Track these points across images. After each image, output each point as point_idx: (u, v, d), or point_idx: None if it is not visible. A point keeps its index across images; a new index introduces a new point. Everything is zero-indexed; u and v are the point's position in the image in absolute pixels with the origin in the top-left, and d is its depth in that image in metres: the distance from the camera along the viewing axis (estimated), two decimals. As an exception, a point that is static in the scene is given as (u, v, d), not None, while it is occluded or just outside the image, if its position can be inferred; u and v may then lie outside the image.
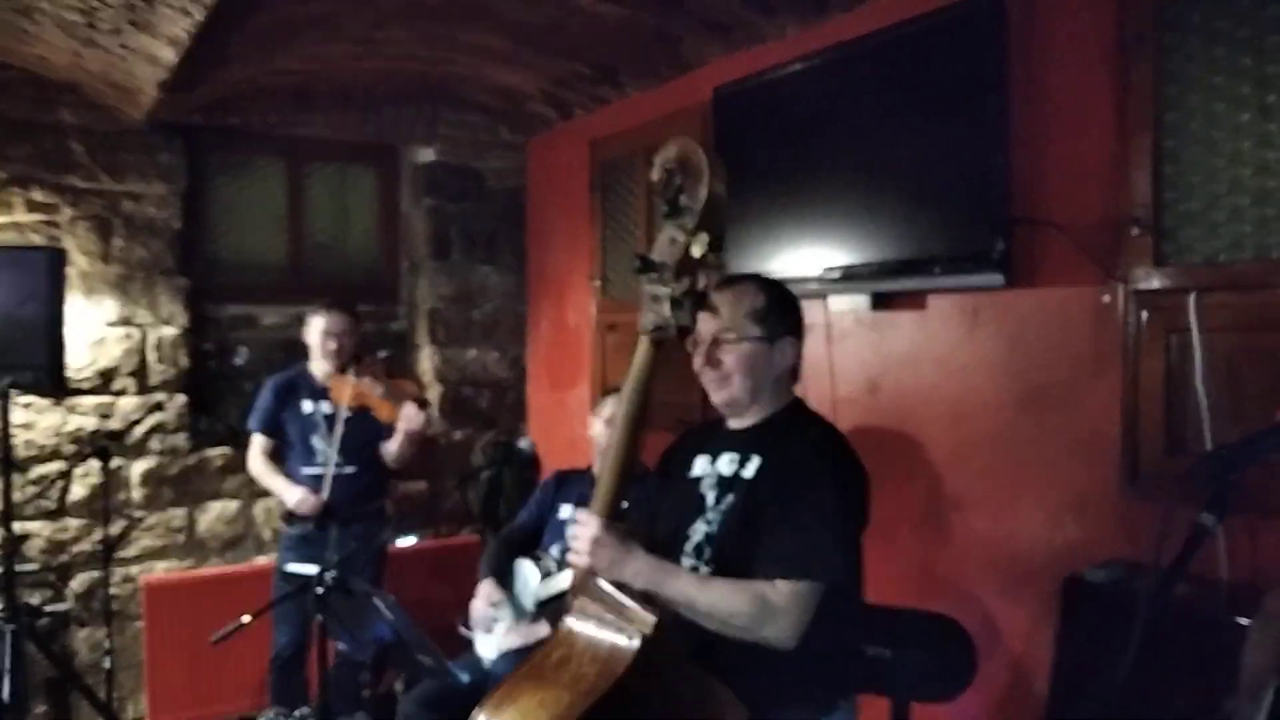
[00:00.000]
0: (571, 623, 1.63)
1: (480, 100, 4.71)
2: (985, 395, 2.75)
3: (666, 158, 1.60)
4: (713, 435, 1.91)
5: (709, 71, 3.69)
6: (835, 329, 3.21)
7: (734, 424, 1.91)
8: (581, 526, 1.65)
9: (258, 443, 3.69)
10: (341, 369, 3.57)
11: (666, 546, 1.84)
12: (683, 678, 1.62)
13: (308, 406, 3.67)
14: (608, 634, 1.56)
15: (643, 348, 1.64)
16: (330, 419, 3.62)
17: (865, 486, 1.82)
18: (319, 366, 3.67)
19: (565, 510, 3.10)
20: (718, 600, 1.63)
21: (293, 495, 3.56)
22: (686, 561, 1.81)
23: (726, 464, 1.84)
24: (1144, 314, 2.39)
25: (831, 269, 3.01)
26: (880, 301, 3.00)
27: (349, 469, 3.60)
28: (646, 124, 4.08)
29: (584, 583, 1.64)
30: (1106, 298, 2.45)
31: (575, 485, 3.15)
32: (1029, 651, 2.59)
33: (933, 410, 2.91)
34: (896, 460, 3.02)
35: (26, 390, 3.62)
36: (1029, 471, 2.64)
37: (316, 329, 3.63)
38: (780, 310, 1.88)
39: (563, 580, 2.80)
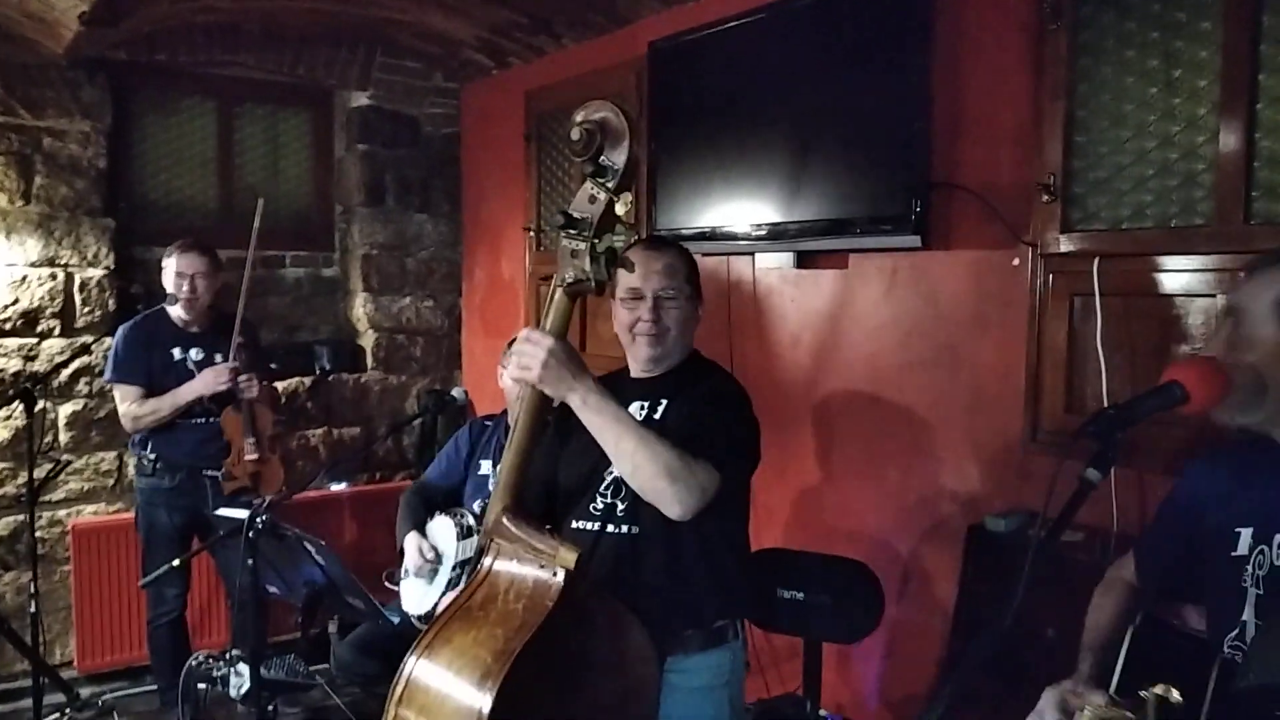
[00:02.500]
0: (490, 562, 1.66)
1: (416, 46, 4.63)
2: (900, 352, 2.87)
3: (587, 118, 1.63)
4: (618, 385, 1.99)
5: (645, 26, 3.70)
6: (761, 284, 3.30)
7: (640, 374, 2.01)
8: (532, 344, 1.65)
9: (127, 393, 3.49)
10: (235, 405, 3.49)
11: (580, 487, 1.94)
12: (599, 608, 1.69)
13: (176, 354, 3.53)
14: (529, 570, 1.60)
15: (560, 300, 1.68)
16: (201, 364, 3.50)
17: (756, 428, 1.95)
18: (176, 310, 3.52)
19: (485, 466, 3.09)
20: (650, 441, 1.67)
21: (203, 379, 3.40)
22: (602, 500, 1.90)
23: (636, 410, 1.93)
24: (1050, 277, 2.52)
25: (759, 226, 3.09)
26: (804, 259, 3.08)
27: (249, 377, 3.50)
28: (582, 76, 4.08)
29: (498, 522, 1.67)
30: (1016, 261, 2.57)
31: (492, 436, 3.16)
32: (934, 596, 2.75)
33: (851, 365, 3.03)
34: (814, 412, 3.14)
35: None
36: (939, 425, 2.77)
37: (173, 269, 3.48)
38: (697, 273, 2.04)
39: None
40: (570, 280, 1.64)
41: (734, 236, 3.19)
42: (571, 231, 1.62)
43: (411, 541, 2.88)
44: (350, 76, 4.73)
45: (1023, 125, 2.54)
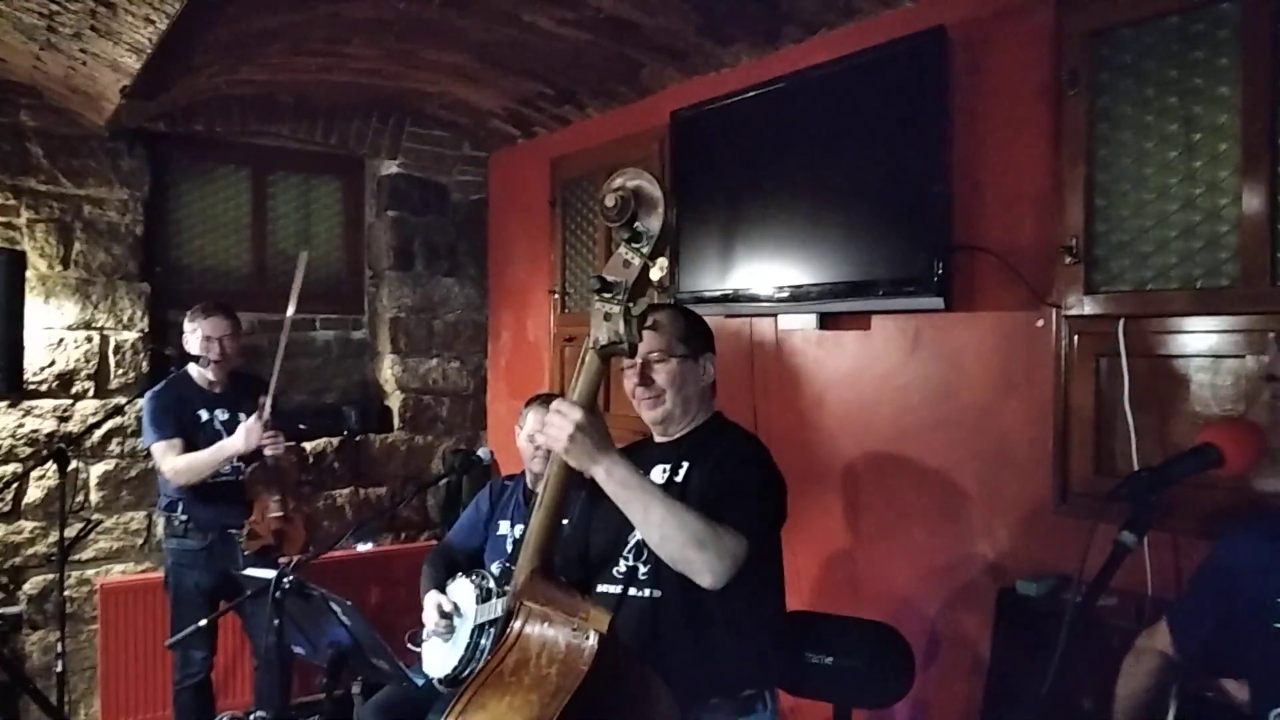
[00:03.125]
0: (520, 625, 1.65)
1: (444, 116, 4.77)
2: (924, 412, 2.87)
3: (622, 185, 1.66)
4: (641, 451, 2.01)
5: (667, 96, 3.79)
6: (784, 345, 3.32)
7: (661, 439, 2.04)
8: (560, 415, 1.67)
9: (166, 448, 3.47)
10: (261, 465, 3.51)
11: (606, 550, 1.94)
12: (630, 673, 1.67)
13: (204, 415, 3.57)
14: (561, 634, 1.59)
15: (592, 362, 1.70)
16: (229, 424, 3.55)
17: (782, 487, 1.95)
18: (199, 372, 3.57)
19: (504, 526, 3.10)
20: (678, 511, 1.68)
21: (239, 437, 3.42)
22: (624, 563, 1.90)
23: (659, 474, 1.94)
24: (1075, 338, 2.52)
25: (782, 288, 3.12)
26: (827, 321, 3.10)
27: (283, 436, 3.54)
28: (606, 144, 4.17)
29: (528, 585, 1.67)
30: (1040, 322, 2.58)
31: (511, 497, 3.16)
32: (965, 660, 2.70)
33: (874, 426, 3.02)
34: (839, 473, 3.12)
35: (-13, 395, 3.61)
36: (965, 487, 2.75)
37: (199, 334, 3.53)
38: (698, 331, 2.06)
39: (501, 605, 2.79)
40: (604, 343, 1.66)
41: (756, 299, 3.22)
42: (606, 295, 1.64)
43: (430, 600, 2.88)
44: (381, 145, 4.86)
45: (1043, 188, 2.57)
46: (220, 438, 3.51)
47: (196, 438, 3.52)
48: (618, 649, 1.61)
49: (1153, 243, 2.38)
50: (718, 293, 3.34)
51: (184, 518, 3.52)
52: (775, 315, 3.26)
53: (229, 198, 4.74)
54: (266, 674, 3.55)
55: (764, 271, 3.18)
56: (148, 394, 3.59)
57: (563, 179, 4.52)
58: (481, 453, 3.50)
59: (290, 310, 3.59)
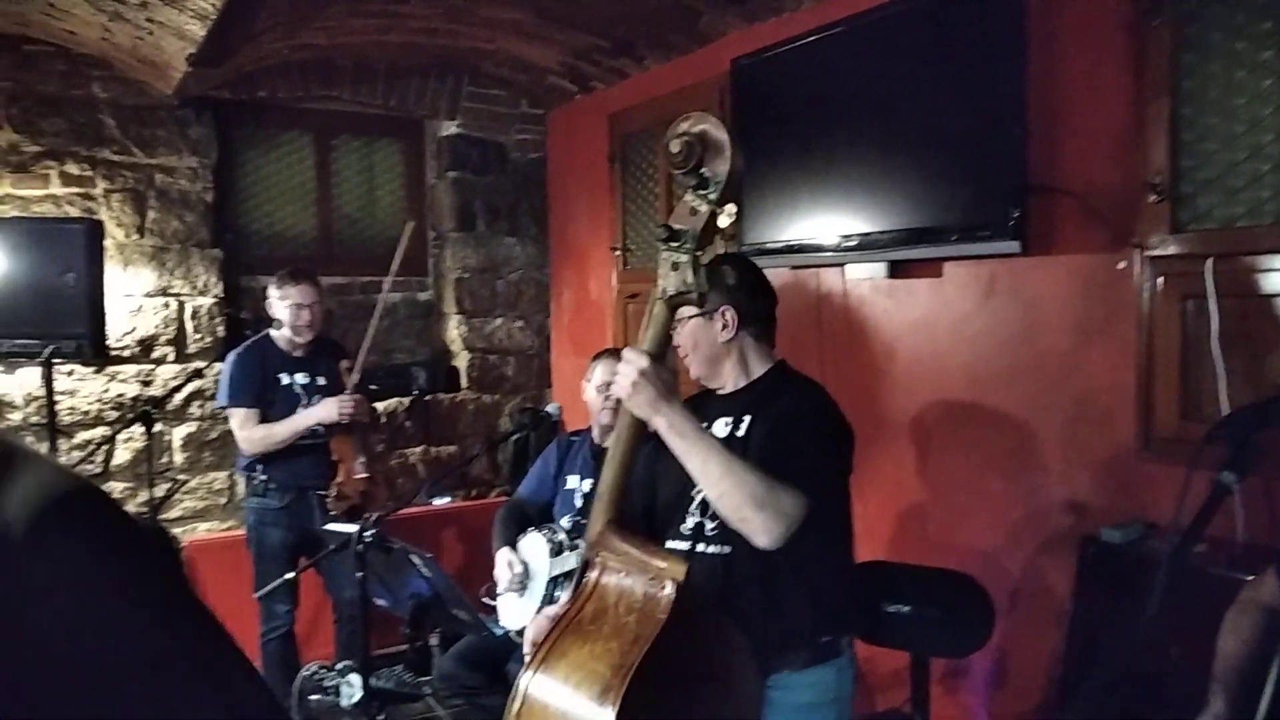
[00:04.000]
0: (596, 576, 1.66)
1: (501, 74, 4.75)
2: (1000, 361, 2.81)
3: (687, 131, 1.63)
4: (706, 404, 2.00)
5: (727, 44, 3.72)
6: (852, 296, 3.27)
7: (722, 391, 2.01)
8: (627, 363, 1.67)
9: (243, 416, 3.53)
10: (345, 427, 3.54)
11: (672, 506, 1.94)
12: (706, 622, 1.69)
13: (284, 379, 3.61)
14: (638, 583, 1.61)
15: (660, 312, 1.68)
16: (308, 389, 3.60)
17: (849, 436, 1.92)
18: (288, 337, 3.61)
19: (572, 481, 3.12)
20: (736, 468, 1.68)
21: (327, 407, 3.48)
22: (691, 519, 1.90)
23: (722, 427, 1.92)
24: (1160, 280, 2.44)
25: (849, 237, 3.07)
26: (897, 269, 3.05)
27: (371, 404, 3.62)
28: (665, 97, 4.12)
29: (602, 536, 1.67)
30: (1122, 264, 2.50)
31: (579, 451, 3.19)
32: (1047, 610, 2.66)
33: (949, 375, 2.97)
34: (913, 423, 3.09)
35: (69, 359, 3.73)
36: (1044, 435, 2.70)
37: (288, 301, 3.55)
38: (724, 282, 1.96)
39: (573, 558, 2.83)
40: (672, 292, 1.64)
41: (823, 249, 3.17)
42: (673, 244, 1.63)
43: (501, 558, 2.92)
44: (440, 106, 4.87)
45: (1125, 124, 2.48)
46: (298, 402, 3.57)
47: (275, 401, 3.59)
48: (694, 598, 1.62)
49: (1244, 177, 2.28)
50: (782, 244, 3.30)
51: (264, 477, 3.61)
52: (843, 265, 3.21)
53: (294, 163, 4.81)
54: (349, 626, 3.66)
55: (830, 220, 3.13)
56: (230, 355, 3.67)
57: (621, 134, 4.49)
58: (550, 409, 3.53)
59: (389, 280, 3.63)
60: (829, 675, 1.91)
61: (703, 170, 1.62)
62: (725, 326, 1.94)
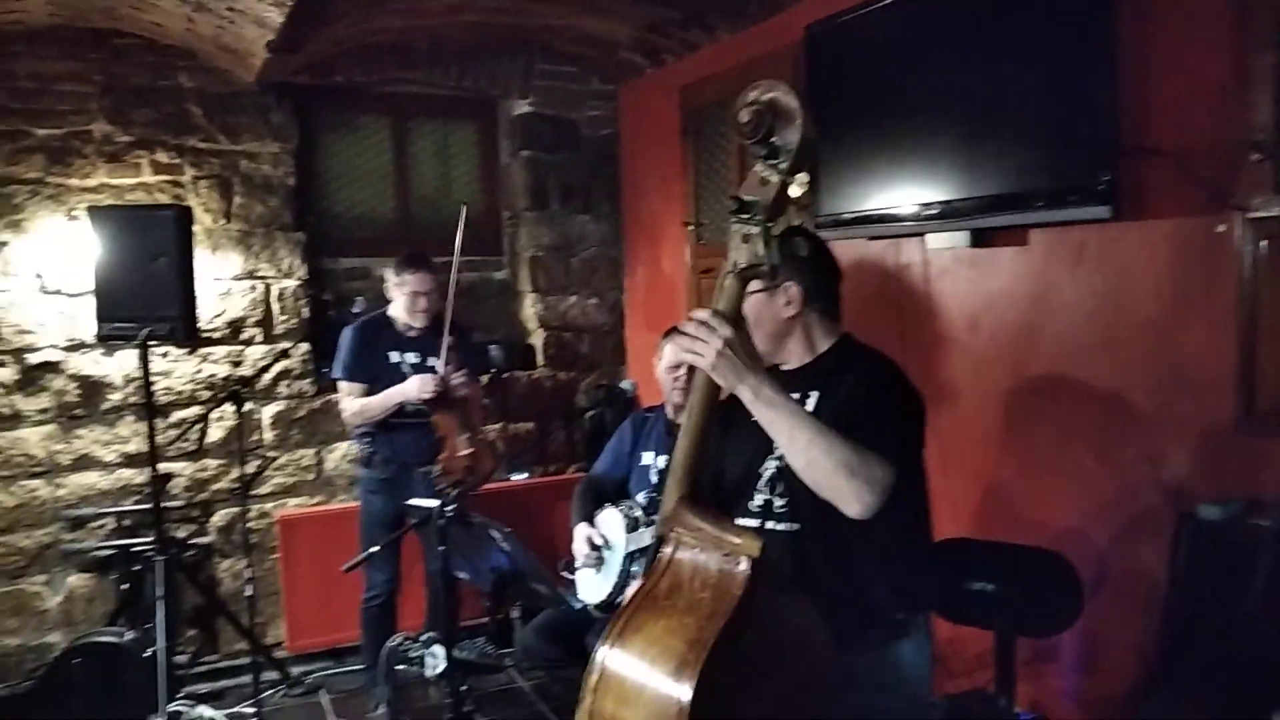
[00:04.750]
0: (671, 551, 1.65)
1: (572, 50, 4.74)
2: (1091, 332, 2.71)
3: (756, 99, 1.57)
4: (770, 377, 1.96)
5: (800, 10, 3.64)
6: (933, 266, 3.19)
7: (788, 365, 1.96)
8: (708, 330, 1.60)
9: (347, 389, 3.73)
10: (448, 405, 3.63)
11: (739, 484, 1.91)
12: (785, 602, 1.67)
13: (394, 356, 3.73)
14: (712, 559, 1.59)
15: (731, 286, 1.64)
16: (418, 368, 3.69)
17: (921, 406, 1.87)
18: (404, 320, 3.73)
19: (647, 457, 3.14)
20: (826, 435, 1.63)
21: (410, 386, 3.58)
22: (760, 497, 1.87)
23: None
24: (1263, 243, 2.31)
25: (929, 206, 2.98)
26: (980, 238, 2.95)
27: (455, 386, 3.66)
28: (736, 67, 4.06)
29: (676, 511, 1.65)
30: (1221, 228, 2.37)
31: (653, 428, 3.19)
32: (1139, 588, 2.56)
33: (1035, 348, 2.88)
34: (998, 399, 3.00)
35: (163, 341, 3.88)
36: (1137, 409, 2.60)
37: (405, 287, 3.67)
38: (785, 254, 1.88)
39: (648, 534, 2.84)
40: (743, 265, 1.60)
41: (902, 218, 3.09)
42: (744, 216, 1.58)
43: (579, 533, 2.95)
44: (512, 85, 4.89)
45: (1224, 80, 2.34)
46: (405, 380, 3.66)
47: (383, 378, 3.70)
48: (769, 575, 1.59)
49: (1357, 133, 2.14)
50: (859, 214, 3.23)
51: (372, 449, 3.75)
52: (922, 235, 3.13)
53: (371, 146, 4.89)
54: (435, 598, 3.76)
55: (909, 189, 3.05)
56: (346, 329, 3.80)
57: (693, 107, 4.44)
58: (625, 385, 3.55)
59: (454, 264, 3.68)
60: (905, 652, 1.88)
61: (773, 139, 1.57)
62: (789, 303, 1.90)
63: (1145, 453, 2.57)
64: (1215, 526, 2.19)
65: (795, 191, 1.58)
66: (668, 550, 1.66)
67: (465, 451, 3.61)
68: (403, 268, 3.70)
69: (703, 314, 1.63)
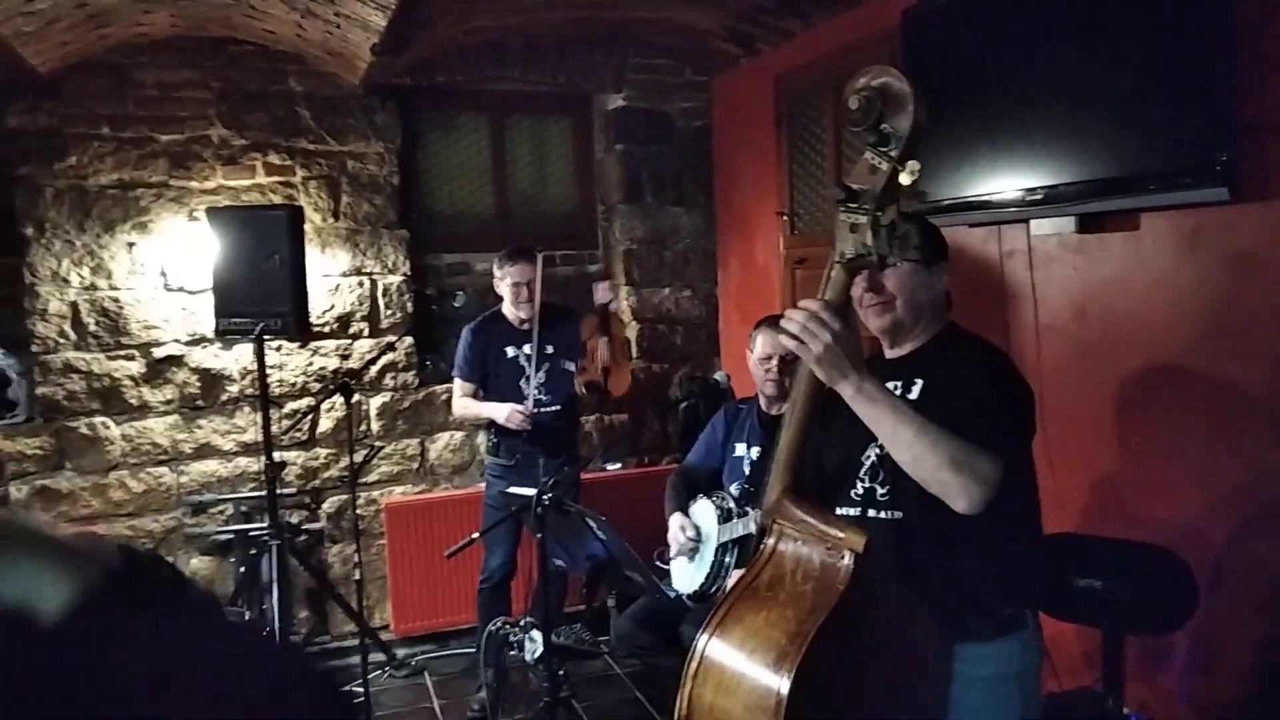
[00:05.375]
0: (774, 543, 1.65)
1: (665, 42, 4.76)
2: (1206, 320, 2.58)
3: (867, 84, 1.55)
4: (872, 367, 1.94)
5: (899, -8, 3.56)
6: (1038, 253, 3.09)
7: (890, 354, 1.93)
8: (816, 324, 1.57)
9: (461, 388, 3.96)
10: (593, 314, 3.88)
11: (841, 472, 1.90)
12: (886, 595, 1.65)
13: (510, 351, 3.89)
14: (815, 552, 1.58)
15: (838, 276, 1.62)
16: (533, 359, 3.85)
17: (1030, 396, 1.82)
18: (512, 312, 3.88)
19: (740, 449, 3.14)
20: (930, 430, 1.60)
21: (502, 411, 3.79)
22: (861, 485, 1.85)
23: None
24: (1397, 224, 2.17)
25: (1034, 190, 2.89)
26: (1087, 223, 2.85)
27: (552, 407, 3.84)
28: (832, 53, 4.00)
29: (779, 503, 1.65)
30: (1352, 208, 2.24)
31: (746, 419, 3.18)
32: (1258, 589, 2.45)
33: (1147, 337, 2.76)
34: (1106, 389, 2.90)
35: (277, 335, 4.07)
36: (1255, 400, 2.47)
37: (509, 279, 3.83)
38: (931, 237, 1.92)
39: (740, 525, 2.85)
40: (850, 256, 1.58)
41: (1005, 204, 3.00)
42: (851, 205, 1.56)
43: (674, 523, 2.98)
44: (605, 80, 4.94)
45: (1357, 51, 2.20)
46: (521, 373, 3.87)
47: (500, 372, 3.90)
48: (875, 570, 1.58)
49: None
50: (960, 200, 3.15)
51: (495, 439, 3.94)
52: (1026, 220, 3.04)
53: (471, 144, 5.01)
54: (539, 584, 3.86)
55: (1012, 174, 2.96)
56: (465, 328, 4.01)
57: (787, 96, 4.40)
58: (718, 376, 3.56)
59: (535, 307, 3.83)
60: (1013, 647, 1.83)
61: (883, 126, 1.54)
62: (938, 282, 1.90)
63: (1263, 445, 2.45)
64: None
65: (906, 179, 1.55)
66: (770, 542, 1.66)
67: (603, 355, 3.72)
68: (504, 261, 3.86)
69: (812, 305, 1.60)
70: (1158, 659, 2.68)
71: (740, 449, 3.15)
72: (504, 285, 3.86)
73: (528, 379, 3.84)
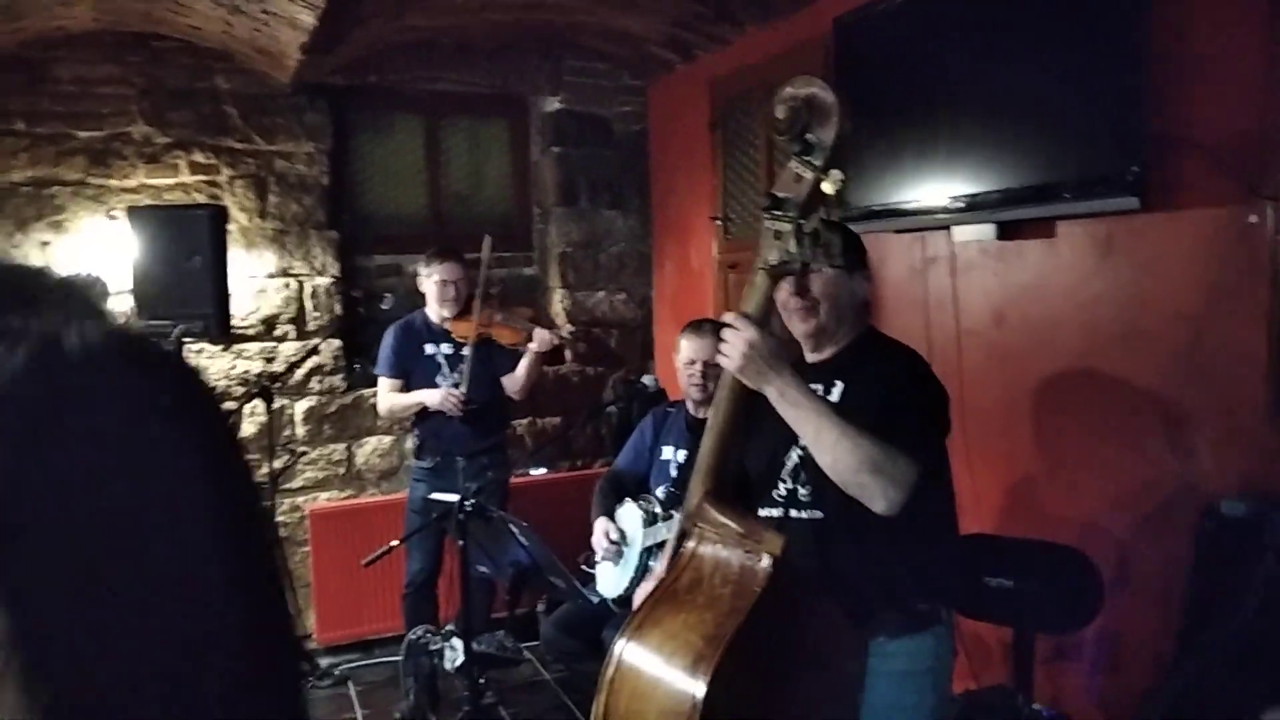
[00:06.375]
0: (694, 545, 1.65)
1: (602, 47, 4.75)
2: (1118, 325, 2.65)
3: (793, 95, 1.57)
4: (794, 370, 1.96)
5: (828, 3, 3.61)
6: (960, 260, 3.14)
7: (811, 357, 1.96)
8: (734, 332, 1.63)
9: (385, 385, 3.91)
10: (460, 312, 3.75)
11: (765, 473, 1.91)
12: (803, 597, 1.66)
13: (429, 349, 3.84)
14: (734, 555, 1.59)
15: (761, 283, 1.64)
16: (451, 359, 3.81)
17: (946, 397, 1.87)
18: (436, 311, 3.84)
19: (667, 452, 3.15)
20: (851, 433, 1.63)
21: (435, 395, 3.73)
22: (784, 486, 1.87)
23: None
24: (1295, 234, 2.25)
25: (956, 198, 2.94)
26: (1007, 230, 2.91)
27: (473, 405, 3.76)
28: (766, 61, 4.04)
29: (700, 507, 1.66)
30: (1253, 218, 2.31)
31: (674, 423, 3.19)
32: (1160, 586, 2.51)
33: (1062, 341, 2.83)
34: (1023, 393, 2.95)
35: (198, 337, 3.96)
36: (1164, 403, 2.54)
37: (435, 278, 3.78)
38: (853, 245, 1.96)
39: (665, 529, 2.85)
40: (774, 263, 1.60)
41: (928, 211, 3.05)
42: (776, 212, 1.58)
43: (598, 527, 2.97)
44: (542, 83, 4.92)
45: (1258, 66, 2.28)
46: (439, 370, 3.81)
47: (418, 371, 3.84)
48: (792, 573, 1.60)
49: (1394, 118, 2.07)
50: (886, 207, 3.19)
51: (419, 439, 3.89)
52: (949, 227, 3.09)
53: (404, 144, 4.95)
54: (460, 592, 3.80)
55: (937, 181, 3.01)
56: (389, 328, 3.95)
57: (722, 102, 4.43)
58: (647, 380, 3.56)
59: (479, 291, 3.76)
60: (926, 643, 1.87)
61: (808, 135, 1.56)
62: (859, 289, 1.95)
63: (1171, 448, 2.52)
64: (1237, 523, 2.13)
65: (829, 189, 1.57)
66: (690, 545, 1.66)
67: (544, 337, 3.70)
68: (432, 259, 3.81)
69: (729, 316, 1.67)
70: (1066, 655, 2.73)
71: (667, 452, 3.15)
72: (430, 283, 3.81)
73: (444, 375, 3.78)
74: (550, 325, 3.79)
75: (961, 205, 2.93)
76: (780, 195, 1.58)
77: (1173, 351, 2.51)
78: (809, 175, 1.56)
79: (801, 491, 1.85)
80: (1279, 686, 1.33)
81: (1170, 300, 2.51)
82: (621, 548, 2.89)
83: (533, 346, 3.70)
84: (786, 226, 1.57)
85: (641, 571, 2.80)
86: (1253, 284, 2.32)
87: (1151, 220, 2.53)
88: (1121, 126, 2.47)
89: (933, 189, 3.02)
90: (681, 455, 3.03)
